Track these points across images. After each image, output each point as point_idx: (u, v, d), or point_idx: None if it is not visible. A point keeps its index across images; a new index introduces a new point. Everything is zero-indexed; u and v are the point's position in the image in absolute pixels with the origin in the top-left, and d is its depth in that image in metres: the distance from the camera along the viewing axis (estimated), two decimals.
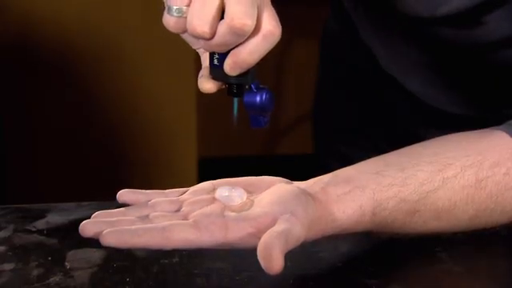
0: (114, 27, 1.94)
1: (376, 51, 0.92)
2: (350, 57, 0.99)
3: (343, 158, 0.75)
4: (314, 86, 1.09)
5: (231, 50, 0.59)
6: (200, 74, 0.63)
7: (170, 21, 0.59)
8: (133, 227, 0.59)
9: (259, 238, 0.57)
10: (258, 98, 0.62)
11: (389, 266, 0.67)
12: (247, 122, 0.63)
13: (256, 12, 0.56)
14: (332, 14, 1.02)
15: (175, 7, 0.58)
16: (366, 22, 0.91)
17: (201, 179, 0.68)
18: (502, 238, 0.72)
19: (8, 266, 0.64)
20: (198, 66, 0.64)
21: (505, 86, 0.81)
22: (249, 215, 0.60)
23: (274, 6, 0.59)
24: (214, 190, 0.65)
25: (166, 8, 0.59)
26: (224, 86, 0.62)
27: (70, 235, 0.70)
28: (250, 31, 0.57)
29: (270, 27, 0.57)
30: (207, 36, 0.57)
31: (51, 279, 0.62)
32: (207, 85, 0.62)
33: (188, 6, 0.58)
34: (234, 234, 0.59)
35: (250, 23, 0.56)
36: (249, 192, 0.64)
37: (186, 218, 0.61)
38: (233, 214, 0.61)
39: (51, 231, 0.71)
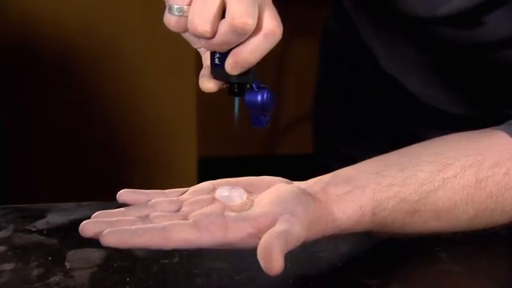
0: (113, 27, 1.94)
1: (376, 51, 0.92)
2: (350, 57, 0.99)
3: (343, 158, 0.75)
4: (314, 85, 1.09)
5: (232, 49, 0.59)
6: (201, 74, 0.63)
7: (171, 20, 0.59)
8: (133, 227, 0.59)
9: (259, 238, 0.57)
10: (259, 98, 0.62)
11: (389, 265, 0.67)
12: (248, 121, 0.63)
13: (257, 11, 0.56)
14: (332, 13, 1.02)
15: (176, 6, 0.58)
16: (366, 21, 0.91)
17: (201, 179, 0.68)
18: (502, 237, 0.71)
19: (8, 266, 0.64)
20: (199, 66, 0.64)
21: (505, 85, 0.81)
22: (249, 215, 0.60)
23: (275, 6, 0.59)
24: (214, 190, 0.65)
25: (167, 7, 0.59)
26: (225, 86, 0.62)
27: (69, 235, 0.70)
28: (251, 30, 0.57)
29: (271, 26, 0.57)
30: (208, 35, 0.57)
31: (51, 279, 0.62)
32: (208, 84, 0.62)
33: (189, 5, 0.58)
34: (233, 234, 0.59)
35: (251, 22, 0.56)
36: (249, 192, 0.64)
37: (186, 218, 0.61)
38: (233, 214, 0.61)
39: (51, 231, 0.71)
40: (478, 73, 0.84)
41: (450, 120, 0.89)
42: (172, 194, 0.66)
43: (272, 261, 0.55)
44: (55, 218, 0.74)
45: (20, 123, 1.98)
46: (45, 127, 1.98)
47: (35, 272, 0.63)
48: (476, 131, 0.71)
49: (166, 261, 0.65)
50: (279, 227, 0.58)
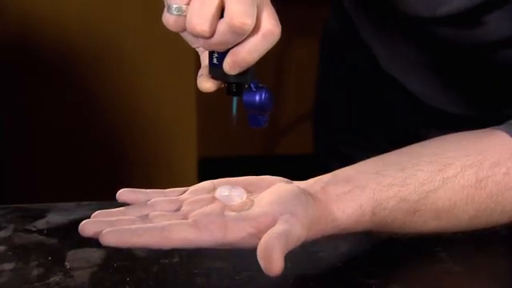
0: (113, 27, 1.94)
1: (376, 51, 0.92)
2: (350, 57, 0.99)
3: (343, 158, 0.75)
4: (314, 85, 1.09)
5: (230, 48, 0.59)
6: (199, 73, 0.63)
7: (169, 19, 0.59)
8: (132, 227, 0.59)
9: (259, 238, 0.57)
10: (257, 98, 0.62)
11: (389, 265, 0.67)
12: (247, 121, 0.63)
13: (256, 11, 0.56)
14: (332, 13, 1.02)
15: (175, 6, 0.58)
16: (366, 21, 0.91)
17: (201, 179, 0.68)
18: (502, 237, 0.71)
19: (8, 266, 0.64)
20: (198, 66, 0.64)
21: (505, 85, 0.81)
22: (249, 215, 0.60)
23: (273, 6, 0.59)
24: (213, 189, 0.65)
25: (166, 7, 0.59)
26: (223, 85, 0.62)
27: (69, 235, 0.70)
28: (250, 30, 0.57)
29: (270, 26, 0.57)
30: (207, 35, 0.57)
31: (51, 279, 0.62)
32: (206, 84, 0.62)
33: (188, 4, 0.58)
34: (233, 233, 0.59)
35: (249, 22, 0.56)
36: (249, 192, 0.64)
37: (185, 217, 0.61)
38: (233, 213, 0.61)
39: (51, 231, 0.71)
40: (478, 73, 0.84)
41: (450, 120, 0.89)
42: (172, 193, 0.66)
43: (272, 261, 0.55)
44: (55, 217, 0.74)
45: (20, 123, 1.98)
46: (45, 127, 1.98)
47: (35, 272, 0.63)
48: (476, 131, 0.71)
49: (166, 261, 0.65)
50: (279, 227, 0.58)
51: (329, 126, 1.07)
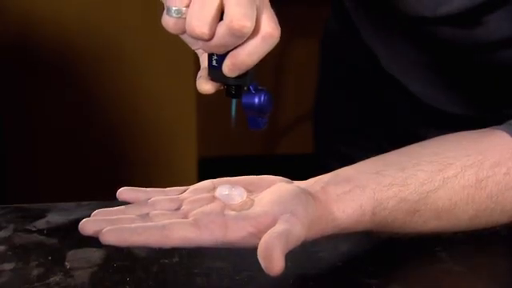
0: (114, 27, 1.94)
1: (376, 51, 0.92)
2: (350, 57, 0.99)
3: (343, 158, 0.75)
4: (314, 85, 1.09)
5: (230, 51, 0.59)
6: (198, 75, 0.63)
7: (169, 22, 0.59)
8: (132, 225, 0.59)
9: (259, 238, 0.57)
10: (256, 100, 0.62)
11: (389, 265, 0.67)
12: (246, 122, 0.63)
13: (255, 14, 0.56)
14: (332, 13, 1.02)
15: (174, 8, 0.58)
16: (367, 21, 0.91)
17: (201, 179, 0.68)
18: (502, 237, 0.71)
19: (8, 266, 0.64)
20: (198, 66, 0.64)
21: (505, 85, 0.81)
22: (249, 214, 0.60)
23: (273, 7, 0.59)
24: (214, 188, 0.65)
25: (165, 9, 0.59)
26: (222, 87, 0.62)
27: (70, 235, 0.70)
28: (249, 33, 0.57)
29: (269, 29, 0.57)
30: (206, 37, 0.57)
31: (51, 279, 0.62)
32: (206, 86, 0.62)
33: (187, 6, 0.58)
34: (233, 233, 0.59)
35: (249, 25, 0.56)
36: (249, 191, 0.64)
37: (185, 216, 0.61)
38: (233, 212, 0.61)
39: (51, 231, 0.71)
40: (478, 73, 0.84)
41: (450, 120, 0.89)
42: (172, 192, 0.66)
43: (273, 261, 0.55)
44: (55, 217, 0.74)
45: (20, 123, 1.98)
46: (45, 127, 1.98)
47: (35, 272, 0.63)
48: (476, 131, 0.71)
49: (166, 260, 0.65)
50: (279, 227, 0.58)
51: (329, 125, 1.07)
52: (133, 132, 2.04)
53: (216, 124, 2.14)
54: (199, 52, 0.64)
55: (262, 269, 0.56)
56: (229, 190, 0.63)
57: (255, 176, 0.67)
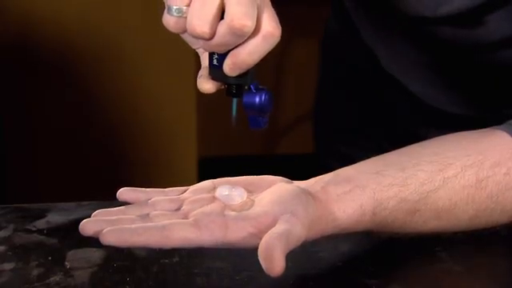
0: (114, 27, 1.94)
1: (376, 51, 0.92)
2: (351, 57, 0.99)
3: (343, 158, 0.75)
4: (314, 85, 1.09)
5: (231, 50, 0.59)
6: (199, 74, 0.63)
7: (169, 21, 0.59)
8: (133, 226, 0.59)
9: (259, 238, 0.57)
10: (257, 99, 0.62)
11: (389, 265, 0.67)
12: (247, 121, 0.63)
13: (256, 13, 0.56)
14: (332, 13, 1.02)
15: (175, 7, 0.58)
16: (367, 21, 0.91)
17: (201, 179, 0.68)
18: (502, 237, 0.71)
19: (8, 266, 0.64)
20: (198, 66, 0.64)
21: (505, 85, 0.81)
22: (249, 215, 0.60)
23: (274, 6, 0.59)
24: (214, 188, 0.65)
25: (166, 8, 0.59)
26: (223, 87, 0.62)
27: (70, 235, 0.70)
28: (250, 32, 0.56)
29: (270, 28, 0.57)
30: (207, 36, 0.57)
31: (51, 279, 0.62)
32: (206, 85, 0.62)
33: (188, 5, 0.58)
34: (234, 233, 0.59)
35: (249, 24, 0.56)
36: (249, 191, 0.64)
37: (186, 216, 0.61)
38: (233, 213, 0.61)
39: (51, 231, 0.71)
40: (478, 73, 0.84)
41: (450, 120, 0.89)
42: (172, 192, 0.66)
43: (273, 261, 0.55)
44: (55, 217, 0.74)
45: (20, 123, 1.98)
46: (45, 127, 1.98)
47: (35, 272, 0.63)
48: (476, 131, 0.71)
49: (166, 260, 0.65)
50: (280, 227, 0.58)
51: (329, 125, 1.07)
52: (133, 132, 2.04)
53: (216, 124, 2.14)
54: (200, 51, 0.64)
55: (262, 269, 0.56)
56: (229, 190, 0.63)
57: (255, 176, 0.67)
